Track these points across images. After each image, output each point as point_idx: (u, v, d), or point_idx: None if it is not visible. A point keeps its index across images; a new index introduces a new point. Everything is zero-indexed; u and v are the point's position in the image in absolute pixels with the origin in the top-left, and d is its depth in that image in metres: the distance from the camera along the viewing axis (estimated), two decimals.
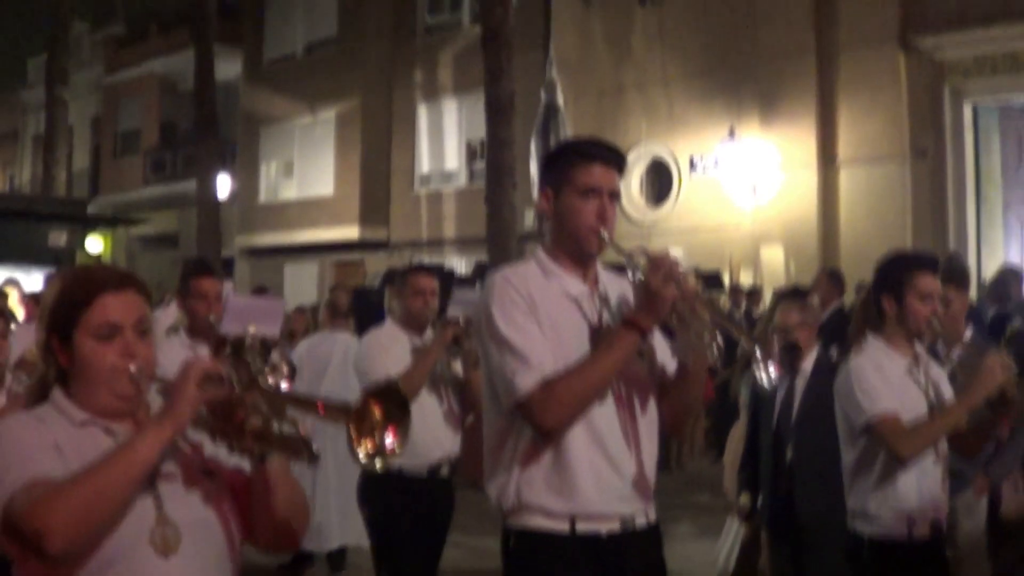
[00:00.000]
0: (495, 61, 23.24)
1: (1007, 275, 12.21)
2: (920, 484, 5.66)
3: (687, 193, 25.25)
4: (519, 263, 4.81)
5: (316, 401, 3.33)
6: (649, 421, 4.62)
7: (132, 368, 3.36)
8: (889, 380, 5.70)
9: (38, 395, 3.49)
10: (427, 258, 27.97)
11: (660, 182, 26.08)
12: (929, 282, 5.80)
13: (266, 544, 3.62)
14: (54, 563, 3.07)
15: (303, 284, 32.25)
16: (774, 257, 23.10)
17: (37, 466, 3.14)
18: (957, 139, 22.23)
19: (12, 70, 51.55)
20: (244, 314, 7.58)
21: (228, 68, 35.42)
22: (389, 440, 3.18)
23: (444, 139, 31.34)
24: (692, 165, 25.10)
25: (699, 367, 4.62)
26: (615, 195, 4.61)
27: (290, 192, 35.25)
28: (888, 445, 5.56)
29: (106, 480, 3.07)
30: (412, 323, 7.97)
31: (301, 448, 3.25)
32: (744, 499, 8.49)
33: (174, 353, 6.84)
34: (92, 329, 3.37)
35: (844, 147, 23.04)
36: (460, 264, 27.68)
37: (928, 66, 22.19)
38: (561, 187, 4.55)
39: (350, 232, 32.27)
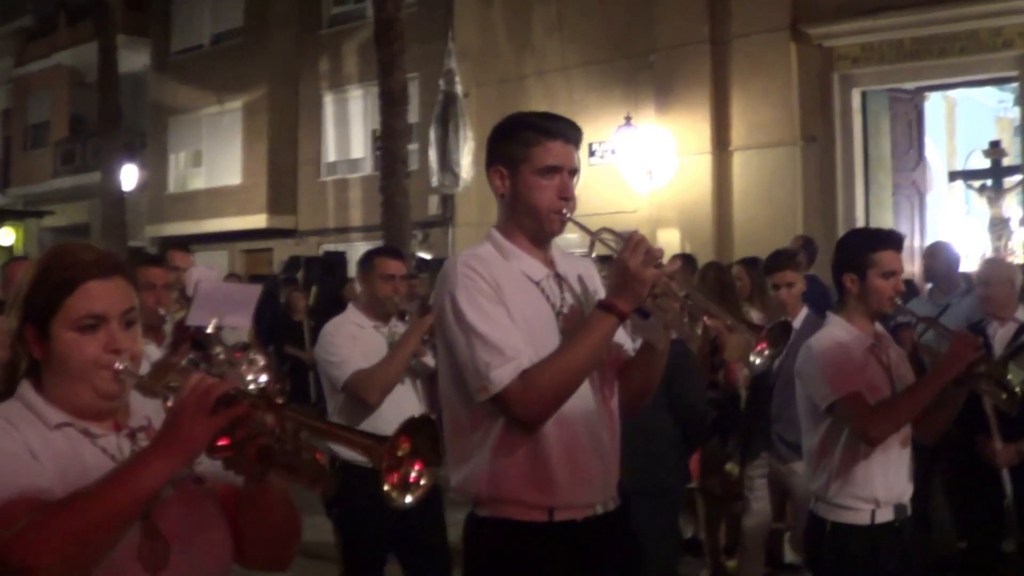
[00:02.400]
0: (388, 52, 23.42)
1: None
2: (885, 467, 5.54)
3: (586, 179, 24.78)
4: (475, 245, 4.51)
5: (340, 430, 3.13)
6: (615, 404, 4.49)
7: (118, 364, 3.02)
8: (853, 359, 5.56)
9: (3, 390, 3.13)
10: (334, 246, 28.21)
11: None
12: (892, 259, 5.66)
13: (254, 564, 3.33)
14: None
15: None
16: (670, 240, 23.33)
17: (16, 480, 2.82)
18: (846, 125, 22.62)
19: None
20: (214, 303, 7.05)
21: (136, 59, 35.52)
22: (414, 474, 2.91)
23: (350, 128, 31.52)
24: (591, 152, 25.39)
25: (665, 350, 4.43)
26: (575, 172, 4.43)
27: (198, 182, 35.36)
28: (856, 425, 5.44)
29: (104, 511, 2.73)
30: (378, 310, 7.41)
31: (318, 476, 2.98)
32: None
33: None
34: (74, 319, 3.01)
35: (737, 133, 23.40)
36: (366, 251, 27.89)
37: (818, 54, 22.60)
38: (518, 165, 4.35)
39: (258, 220, 32.38)
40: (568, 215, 4.37)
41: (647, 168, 23.59)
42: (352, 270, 24.20)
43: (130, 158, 33.83)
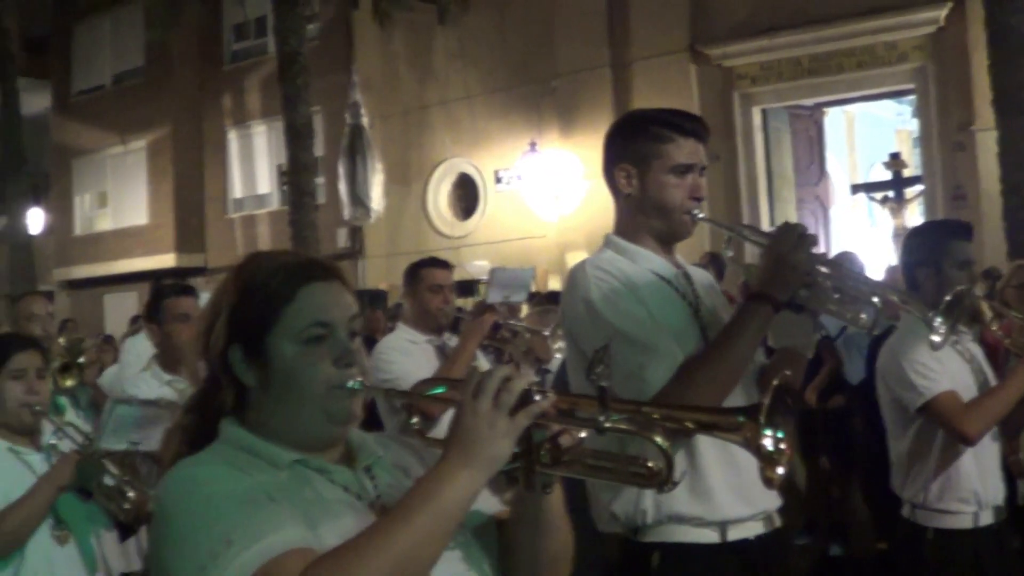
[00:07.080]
0: (292, 87, 23.54)
1: None
2: (981, 467, 5.30)
3: (493, 206, 25.63)
4: (594, 254, 4.34)
5: (691, 411, 2.56)
6: None
7: (351, 382, 2.52)
8: (939, 356, 5.20)
9: (194, 437, 2.60)
10: None
11: (467, 196, 26.47)
12: (967, 249, 5.44)
13: None
14: None
15: (123, 314, 31.90)
16: None
17: (280, 529, 2.28)
18: (748, 143, 22.89)
19: None
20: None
21: (37, 101, 35.05)
22: (769, 440, 2.36)
23: (255, 163, 31.34)
24: (497, 179, 25.51)
25: (806, 358, 4.14)
26: (704, 170, 4.20)
27: (105, 223, 34.84)
28: (951, 425, 5.15)
29: (415, 542, 2.24)
30: (429, 323, 7.08)
31: (652, 469, 2.44)
32: None
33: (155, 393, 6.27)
34: (298, 330, 2.51)
35: None
36: None
37: (718, 74, 22.87)
38: (649, 162, 4.14)
39: (166, 260, 31.94)
40: (700, 215, 4.15)
41: (554, 193, 23.68)
42: None
43: (35, 201, 33.47)
